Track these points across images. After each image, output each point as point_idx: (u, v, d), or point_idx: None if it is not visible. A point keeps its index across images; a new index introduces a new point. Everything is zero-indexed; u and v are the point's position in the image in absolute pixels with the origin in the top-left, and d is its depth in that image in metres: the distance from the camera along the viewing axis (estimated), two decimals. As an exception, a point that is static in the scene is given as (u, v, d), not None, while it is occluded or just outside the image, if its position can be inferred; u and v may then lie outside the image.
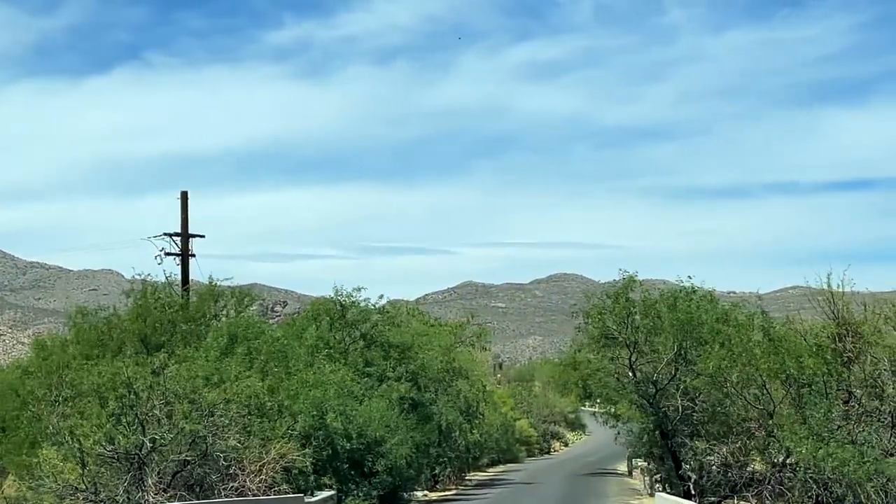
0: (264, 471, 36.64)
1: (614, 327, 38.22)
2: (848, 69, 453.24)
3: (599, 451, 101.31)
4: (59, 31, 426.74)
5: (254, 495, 35.40)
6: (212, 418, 36.07)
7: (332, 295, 49.09)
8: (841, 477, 29.40)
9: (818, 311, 36.21)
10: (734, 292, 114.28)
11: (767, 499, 31.64)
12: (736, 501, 33.37)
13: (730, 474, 33.67)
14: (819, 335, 33.03)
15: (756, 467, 34.73)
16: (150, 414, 34.67)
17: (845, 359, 33.23)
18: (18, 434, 41.34)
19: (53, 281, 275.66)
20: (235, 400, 37.34)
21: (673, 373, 37.43)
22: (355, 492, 41.80)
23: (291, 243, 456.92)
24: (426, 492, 55.80)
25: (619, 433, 78.29)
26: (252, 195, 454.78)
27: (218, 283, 48.74)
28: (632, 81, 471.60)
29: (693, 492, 35.45)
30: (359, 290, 49.10)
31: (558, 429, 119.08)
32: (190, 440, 34.60)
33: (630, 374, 38.59)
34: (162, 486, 34.34)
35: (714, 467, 34.36)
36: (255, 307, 50.50)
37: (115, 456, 33.45)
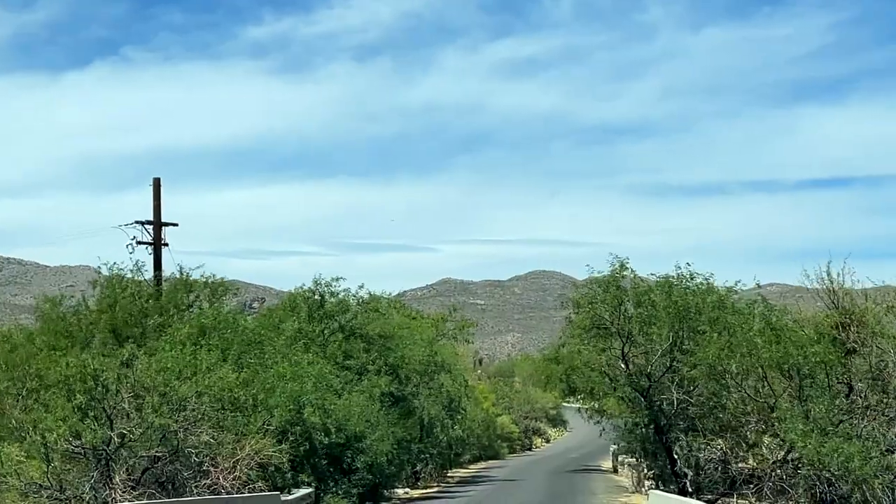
0: (238, 467, 34.99)
1: (606, 317, 36.53)
2: (827, 67, 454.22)
3: (581, 447, 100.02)
4: (38, 26, 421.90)
5: (227, 493, 33.77)
6: (183, 412, 34.50)
7: (311, 285, 47.40)
8: (847, 473, 27.86)
9: (812, 303, 34.71)
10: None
11: (768, 496, 30.09)
12: (736, 499, 31.68)
13: (728, 470, 32.10)
14: (822, 324, 31.51)
15: (754, 463, 33.22)
16: (119, 408, 33.08)
17: (847, 350, 31.75)
18: (-21, 429, 39.51)
19: (30, 277, 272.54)
20: (208, 393, 35.67)
21: (668, 364, 35.76)
22: (334, 489, 40.11)
23: (271, 240, 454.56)
24: (407, 489, 54.16)
25: (604, 429, 77.50)
26: (232, 192, 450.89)
27: (189, 273, 46.94)
28: (611, 79, 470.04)
29: (689, 489, 33.87)
30: (338, 279, 47.45)
31: (539, 425, 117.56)
32: (160, 435, 33.05)
33: (623, 365, 36.89)
34: (131, 483, 32.73)
35: (712, 463, 32.78)
36: (233, 301, 48.49)
37: (82, 452, 31.89)
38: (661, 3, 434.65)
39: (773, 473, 30.45)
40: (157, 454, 33.21)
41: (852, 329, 31.20)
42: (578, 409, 74.48)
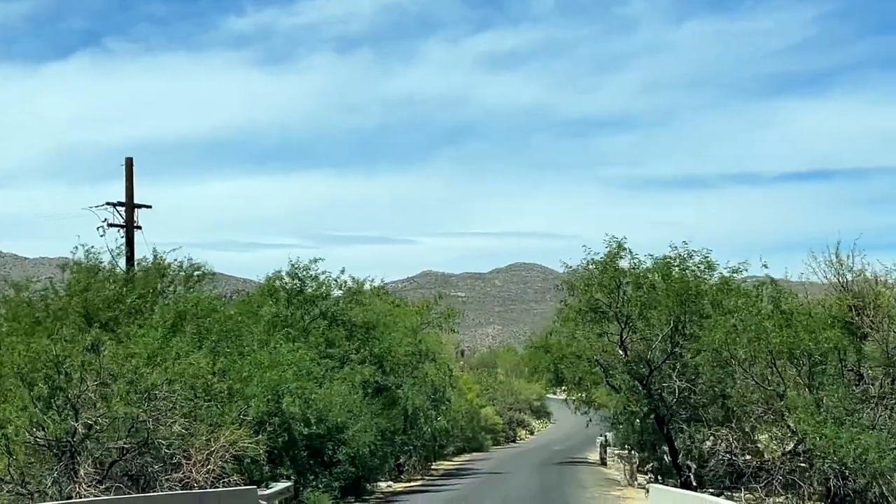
0: (212, 460, 32.99)
1: (603, 299, 34.44)
2: (808, 60, 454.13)
3: (566, 439, 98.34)
4: (18, 17, 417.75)
5: (200, 487, 31.80)
6: (153, 401, 32.60)
7: (289, 268, 45.22)
8: (863, 466, 25.98)
9: (820, 286, 32.81)
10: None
11: (778, 491, 28.19)
12: (743, 494, 29.68)
13: (734, 463, 30.16)
14: (834, 307, 29.59)
15: (762, 455, 31.35)
16: (84, 396, 31.15)
17: (859, 335, 29.87)
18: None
19: (9, 269, 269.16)
20: (179, 381, 33.68)
21: (669, 350, 33.73)
22: (314, 483, 38.07)
23: (251, 232, 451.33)
24: (390, 482, 52.16)
25: (590, 420, 75.66)
26: (213, 184, 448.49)
27: (164, 257, 44.72)
28: (593, 71, 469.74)
29: (693, 482, 31.89)
30: (315, 261, 45.17)
31: (524, 417, 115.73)
32: (128, 426, 31.22)
33: (620, 352, 34.82)
34: (97, 477, 30.79)
35: (716, 455, 30.82)
36: (212, 290, 46.09)
37: (45, 443, 29.91)
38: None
39: (783, 466, 28.49)
40: (125, 446, 31.31)
41: (866, 313, 29.27)
42: (566, 400, 72.44)
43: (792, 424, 27.97)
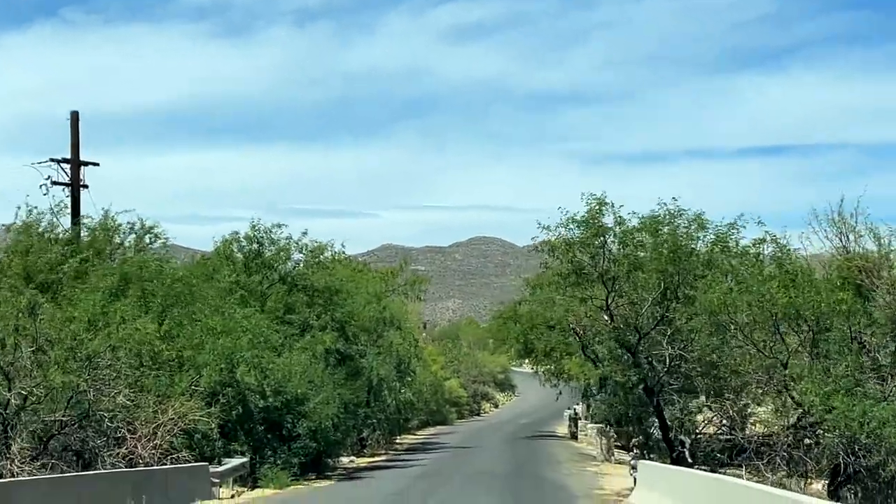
0: (160, 434, 30.27)
1: (586, 260, 31.61)
2: (767, 36, 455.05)
3: (532, 412, 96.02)
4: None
5: (146, 464, 28.97)
6: (95, 370, 29.82)
7: (248, 230, 42.21)
8: (878, 441, 23.49)
9: (820, 252, 30.25)
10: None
11: (782, 467, 25.70)
12: (745, 472, 26.98)
13: (734, 438, 27.63)
14: (843, 268, 27.04)
15: (762, 429, 28.86)
16: (18, 364, 28.36)
17: (868, 299, 27.35)
18: None
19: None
20: (124, 347, 30.92)
21: (660, 315, 31.04)
22: (272, 458, 35.33)
23: (210, 205, 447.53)
24: (353, 457, 49.40)
25: (560, 392, 73.26)
26: (171, 156, 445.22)
27: (114, 217, 41.61)
28: (555, 46, 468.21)
29: (689, 459, 29.30)
30: (279, 226, 42.25)
31: (488, 389, 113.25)
32: (68, 397, 28.63)
33: (606, 317, 32.04)
34: (32, 453, 28.02)
35: (711, 428, 28.25)
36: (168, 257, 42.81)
37: (-26, 416, 27.27)
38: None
39: (785, 441, 25.97)
40: (63, 419, 28.73)
41: (876, 275, 26.75)
42: (535, 372, 69.94)
43: (797, 395, 25.43)
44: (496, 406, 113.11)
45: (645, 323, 31.18)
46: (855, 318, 26.07)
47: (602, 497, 30.56)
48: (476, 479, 35.78)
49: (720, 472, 29.49)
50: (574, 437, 66.12)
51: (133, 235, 42.12)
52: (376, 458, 50.76)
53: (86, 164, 45.16)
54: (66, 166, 42.95)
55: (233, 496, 31.76)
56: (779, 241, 28.48)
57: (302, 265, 42.64)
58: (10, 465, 27.39)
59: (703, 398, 29.59)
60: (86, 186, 45.00)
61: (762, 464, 25.84)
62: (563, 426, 79.81)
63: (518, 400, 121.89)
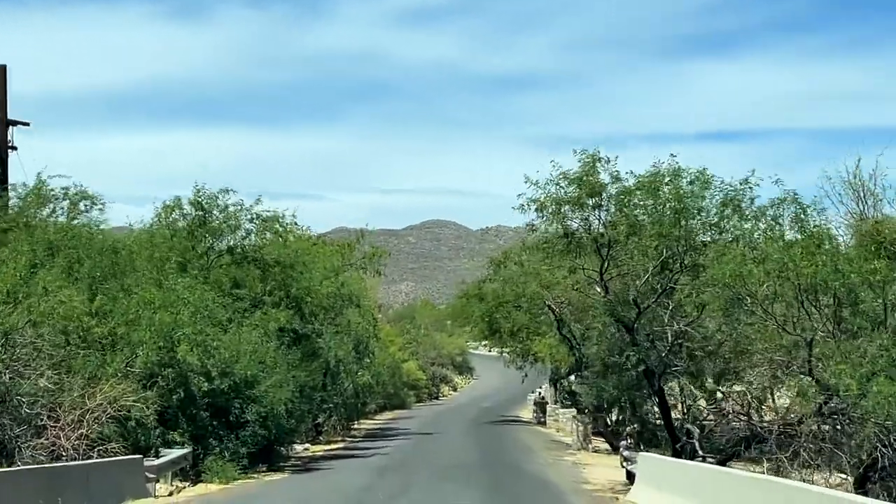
0: (87, 422, 26.16)
1: (580, 224, 27.71)
2: (718, 22, 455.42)
3: (492, 395, 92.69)
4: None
5: (70, 458, 24.92)
6: (13, 349, 25.90)
7: (192, 195, 37.98)
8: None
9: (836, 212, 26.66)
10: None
11: (807, 461, 22.13)
12: (764, 466, 23.31)
13: (752, 426, 24.03)
14: (871, 234, 23.49)
15: (767, 416, 25.30)
16: (-82, 342, 24.39)
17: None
18: None
19: None
20: (47, 323, 26.83)
21: (662, 287, 27.29)
22: (217, 449, 31.39)
23: (162, 188, 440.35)
24: (307, 445, 45.55)
25: (526, 375, 69.75)
26: (122, 138, 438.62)
27: (46, 181, 37.32)
28: (509, 30, 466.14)
29: (700, 452, 25.59)
30: (227, 192, 37.98)
31: (446, 372, 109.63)
32: (-21, 379, 24.49)
33: (599, 290, 28.18)
34: (-65, 444, 24.04)
35: (721, 416, 24.65)
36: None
37: None
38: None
39: (810, 430, 22.43)
40: (-29, 405, 24.51)
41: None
42: (500, 354, 66.33)
43: (827, 377, 21.83)
44: (455, 389, 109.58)
45: (643, 296, 27.37)
46: (891, 289, 22.53)
47: (594, 495, 26.90)
48: (447, 472, 32.07)
49: (730, 466, 26.03)
50: (541, 422, 62.66)
51: (67, 202, 37.91)
52: (333, 446, 46.90)
53: (14, 123, 41.00)
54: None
55: (171, 493, 27.78)
56: (800, 201, 24.82)
57: (253, 235, 38.48)
58: None
59: (710, 381, 25.88)
60: (14, 148, 40.96)
61: (785, 457, 22.20)
62: (527, 410, 76.47)
63: (477, 383, 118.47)
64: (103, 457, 25.47)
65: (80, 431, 26.11)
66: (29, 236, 32.38)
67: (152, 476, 26.80)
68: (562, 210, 26.91)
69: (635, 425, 29.40)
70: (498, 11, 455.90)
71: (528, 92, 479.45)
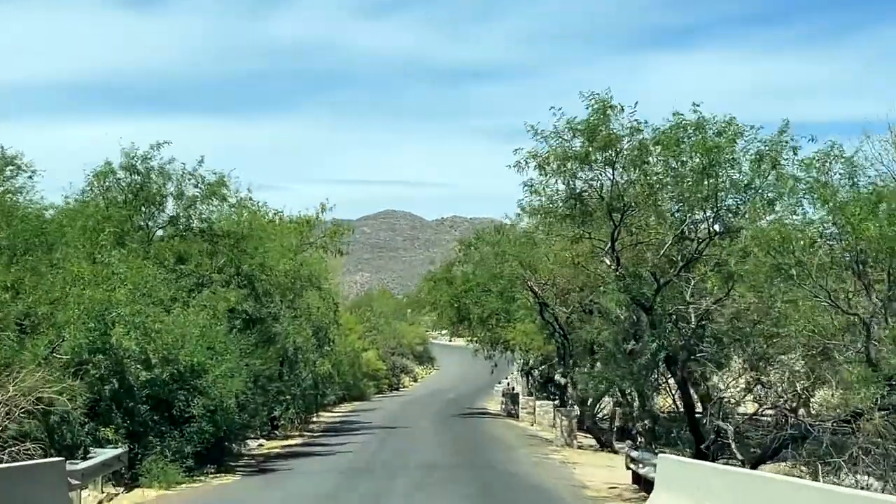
0: (-4, 418, 21.78)
1: (587, 184, 23.31)
2: (678, 14, 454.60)
3: (455, 387, 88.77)
4: None
5: (-24, 461, 20.57)
6: None
7: (123, 159, 33.21)
8: None
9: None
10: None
11: (871, 469, 18.20)
12: (820, 468, 19.16)
13: (800, 422, 20.07)
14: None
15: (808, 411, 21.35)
16: None
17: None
18: None
19: None
20: (-52, 299, 22.48)
21: (685, 258, 23.13)
22: (158, 447, 26.98)
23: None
24: (262, 441, 41.31)
25: (496, 365, 65.76)
26: (80, 127, 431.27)
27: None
28: (467, 21, 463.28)
29: (739, 455, 21.52)
30: (160, 145, 33.20)
31: (406, 362, 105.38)
32: None
33: (608, 262, 23.95)
34: None
35: (764, 412, 20.65)
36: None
37: None
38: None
39: (870, 429, 18.51)
40: None
41: None
42: (470, 341, 62.22)
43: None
44: (416, 380, 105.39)
45: (663, 270, 23.22)
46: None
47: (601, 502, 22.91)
48: (423, 475, 28.02)
49: (765, 468, 22.09)
50: (512, 414, 58.69)
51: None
52: (290, 442, 42.57)
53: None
54: None
55: (101, 501, 23.42)
56: (848, 157, 20.58)
57: (199, 203, 33.92)
58: None
59: (745, 369, 21.76)
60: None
61: (842, 460, 18.28)
62: (494, 402, 72.59)
63: (438, 374, 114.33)
64: (16, 459, 21.14)
65: (-12, 429, 21.81)
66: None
67: (76, 482, 22.40)
68: (567, 167, 22.65)
69: (646, 421, 25.31)
70: (456, 2, 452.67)
71: (486, 83, 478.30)
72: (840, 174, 19.91)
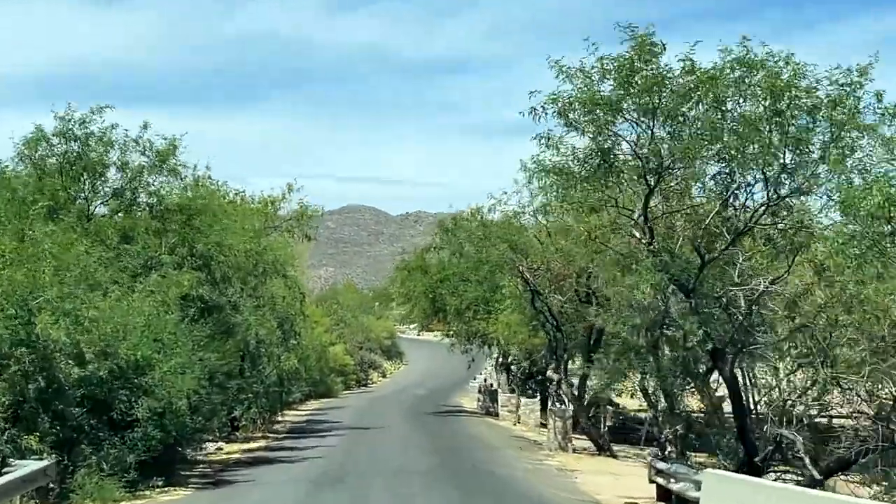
0: None
1: (619, 136, 18.87)
2: (649, 9, 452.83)
3: (426, 382, 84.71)
4: None
5: None
6: None
7: (58, 124, 28.78)
8: None
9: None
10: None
11: None
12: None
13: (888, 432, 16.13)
14: None
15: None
16: None
17: None
18: None
19: None
20: None
21: (734, 229, 18.90)
22: (94, 458, 22.72)
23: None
24: (221, 444, 37.10)
25: (473, 360, 61.77)
26: (39, 121, 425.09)
27: None
28: (436, 14, 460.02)
29: (816, 473, 17.42)
30: (101, 109, 28.83)
31: (374, 357, 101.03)
32: None
33: (638, 234, 19.63)
34: None
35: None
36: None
37: None
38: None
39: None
40: None
41: None
42: (447, 335, 58.10)
43: None
44: (384, 376, 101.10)
45: (708, 243, 19.06)
46: None
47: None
48: (403, 483, 24.06)
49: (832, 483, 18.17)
50: (490, 412, 54.71)
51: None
52: (252, 445, 38.33)
53: None
54: None
55: (19, 526, 19.19)
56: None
57: (146, 173, 29.54)
58: None
59: (822, 365, 17.63)
60: None
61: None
62: (469, 399, 68.64)
63: (407, 369, 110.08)
64: None
65: None
66: None
67: (-13, 504, 18.19)
68: (596, 115, 18.40)
69: (678, 427, 21.26)
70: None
71: (455, 78, 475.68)
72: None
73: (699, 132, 17.61)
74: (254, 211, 40.34)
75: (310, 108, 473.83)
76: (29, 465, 20.30)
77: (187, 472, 28.24)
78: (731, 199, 18.56)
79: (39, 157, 28.80)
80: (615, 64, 18.23)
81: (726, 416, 21.57)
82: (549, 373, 40.15)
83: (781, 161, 17.73)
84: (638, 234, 19.59)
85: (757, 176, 18.25)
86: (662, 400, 22.55)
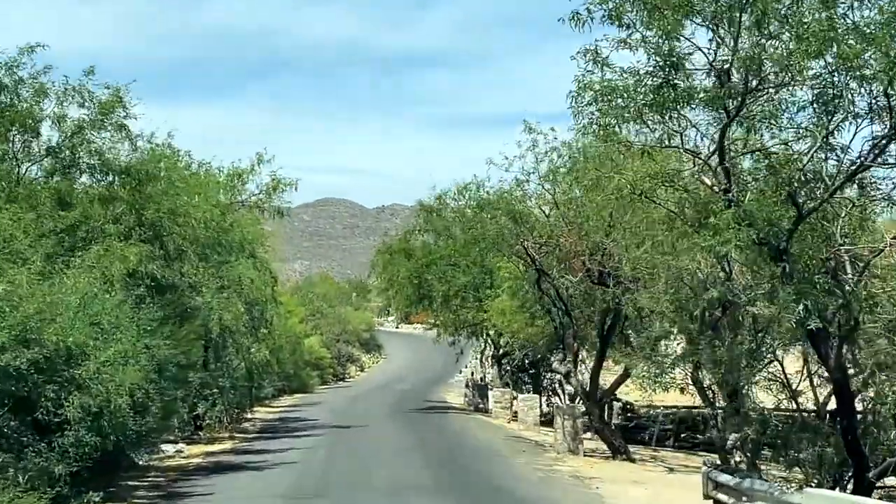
0: None
1: (693, 43, 13.91)
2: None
3: (406, 376, 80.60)
4: None
5: None
6: None
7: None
8: None
9: None
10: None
11: None
12: None
13: None
14: None
15: None
16: None
17: None
18: None
19: None
20: None
21: (844, 174, 14.17)
22: (12, 469, 18.17)
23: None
24: (182, 445, 32.70)
25: (461, 352, 57.72)
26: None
27: None
28: (410, 7, 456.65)
29: None
30: (32, 49, 24.11)
31: (352, 350, 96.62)
32: None
33: (710, 181, 14.83)
34: None
35: None
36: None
37: None
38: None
39: None
40: None
41: None
42: (433, 325, 53.81)
43: None
44: (363, 369, 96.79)
45: (808, 190, 14.52)
46: None
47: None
48: (398, 490, 19.64)
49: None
50: (479, 409, 50.43)
51: None
52: (217, 448, 33.80)
53: None
54: None
55: None
56: None
57: (88, 130, 24.96)
58: None
59: None
60: None
61: None
62: (454, 394, 64.55)
63: (386, 362, 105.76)
64: None
65: None
66: None
67: None
68: (663, 13, 13.70)
69: (747, 430, 16.85)
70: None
71: (430, 70, 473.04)
72: None
73: (805, 34, 13.09)
74: (219, 184, 35.76)
75: (282, 100, 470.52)
76: (-80, 481, 15.88)
77: (135, 483, 23.83)
78: (834, 133, 14.07)
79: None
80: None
81: (809, 415, 17.30)
82: (554, 364, 35.87)
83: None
84: (709, 181, 15.22)
85: (873, 102, 13.80)
86: (726, 396, 18.20)
